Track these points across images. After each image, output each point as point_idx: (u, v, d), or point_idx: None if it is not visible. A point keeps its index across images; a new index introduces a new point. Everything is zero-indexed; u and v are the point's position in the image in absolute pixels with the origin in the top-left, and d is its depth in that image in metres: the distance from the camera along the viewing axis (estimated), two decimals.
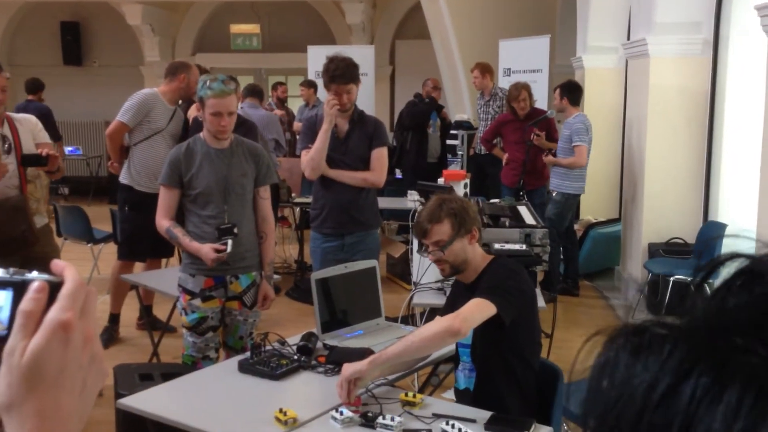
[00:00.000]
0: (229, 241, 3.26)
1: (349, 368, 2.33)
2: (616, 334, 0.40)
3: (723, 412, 0.34)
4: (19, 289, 0.64)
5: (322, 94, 8.18)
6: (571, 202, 6.15)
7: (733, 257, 0.40)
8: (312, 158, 3.79)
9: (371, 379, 2.40)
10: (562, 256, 6.23)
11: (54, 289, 0.64)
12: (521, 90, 6.20)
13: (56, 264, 0.65)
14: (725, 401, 0.34)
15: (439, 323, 2.35)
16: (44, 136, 3.94)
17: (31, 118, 3.96)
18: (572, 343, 5.13)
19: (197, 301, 3.35)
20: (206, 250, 3.24)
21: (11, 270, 0.67)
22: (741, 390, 0.34)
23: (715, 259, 0.41)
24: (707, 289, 0.41)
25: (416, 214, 2.80)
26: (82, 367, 0.63)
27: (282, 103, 9.45)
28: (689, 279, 5.11)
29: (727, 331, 0.37)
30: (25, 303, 0.62)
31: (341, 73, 3.71)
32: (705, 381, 0.35)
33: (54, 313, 0.62)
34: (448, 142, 8.02)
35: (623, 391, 0.37)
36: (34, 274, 0.65)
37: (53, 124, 9.71)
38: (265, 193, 3.48)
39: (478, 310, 2.34)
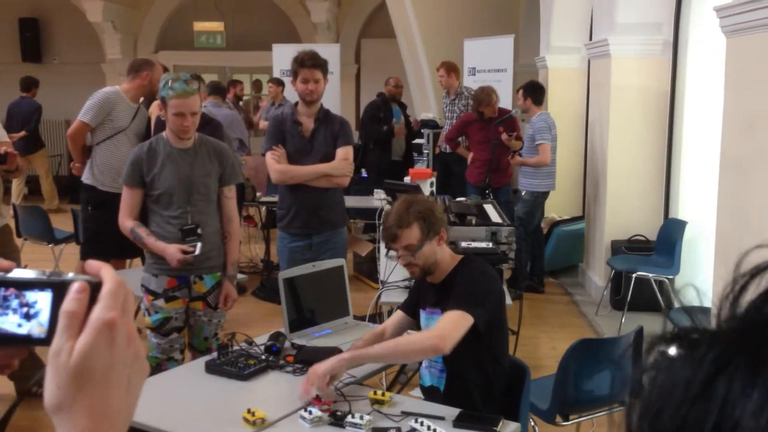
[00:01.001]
0: (198, 244, 3.23)
1: (325, 364, 2.34)
2: (655, 342, 0.41)
3: (754, 403, 0.35)
4: (59, 290, 0.64)
5: (289, 95, 8.18)
6: (541, 201, 6.22)
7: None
8: (291, 176, 3.78)
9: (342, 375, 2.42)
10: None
11: (94, 289, 0.63)
12: (491, 95, 6.24)
13: (91, 264, 0.65)
14: (756, 394, 0.36)
15: (424, 340, 2.36)
16: (2, 135, 3.85)
17: None
18: (538, 339, 5.19)
19: (160, 302, 3.31)
20: (172, 250, 3.20)
21: (47, 271, 0.66)
22: None
23: (753, 270, 0.42)
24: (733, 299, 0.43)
25: (383, 216, 2.79)
26: (127, 364, 0.63)
27: (239, 101, 9.38)
28: (654, 277, 5.20)
29: (762, 329, 0.38)
30: (68, 303, 0.62)
31: (310, 57, 3.71)
32: (739, 375, 0.36)
33: (98, 312, 0.62)
34: (414, 140, 8.05)
35: (663, 390, 0.38)
36: (71, 275, 0.65)
37: (37, 120, 9.60)
38: (230, 192, 3.45)
39: (457, 327, 2.36)
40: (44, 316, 0.64)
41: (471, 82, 8.08)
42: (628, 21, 5.58)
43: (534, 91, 6.14)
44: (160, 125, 4.19)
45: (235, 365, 2.65)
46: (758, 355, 0.37)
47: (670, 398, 0.38)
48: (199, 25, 13.19)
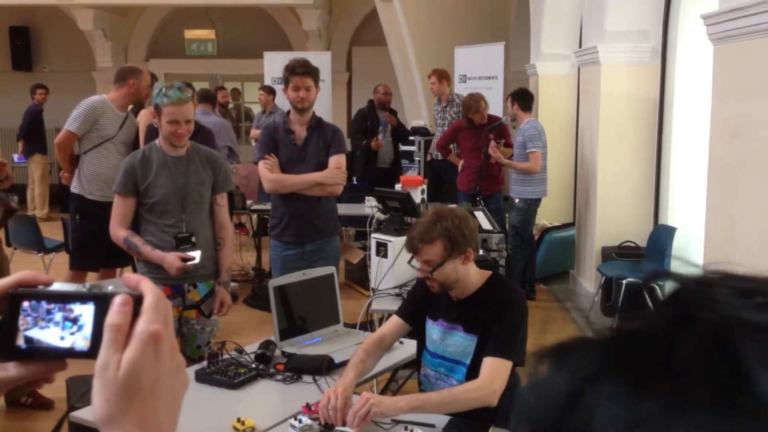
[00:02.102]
0: (198, 252, 3.23)
1: (383, 407, 2.21)
2: (542, 352, 0.41)
3: (616, 412, 0.36)
4: (101, 304, 0.64)
5: (280, 102, 8.19)
6: (534, 208, 6.23)
7: (660, 275, 0.42)
8: (284, 186, 3.78)
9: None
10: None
11: (135, 302, 0.64)
12: (480, 101, 6.27)
13: (130, 278, 0.66)
14: (618, 404, 0.36)
15: (476, 393, 2.31)
16: None
17: None
18: (529, 346, 5.20)
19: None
20: (171, 258, 3.19)
21: (88, 284, 0.66)
22: (628, 395, 0.36)
23: (643, 281, 0.42)
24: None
25: (413, 224, 2.72)
26: (172, 376, 0.64)
27: (224, 108, 9.40)
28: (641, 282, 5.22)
29: (628, 339, 0.38)
30: (114, 316, 0.63)
31: (301, 64, 3.72)
32: (605, 385, 0.36)
33: (143, 325, 0.62)
34: (404, 147, 8.05)
35: (538, 402, 0.38)
36: (111, 288, 0.65)
37: (30, 124, 9.67)
38: (222, 200, 3.46)
39: (505, 378, 2.35)
40: (87, 329, 0.64)
41: (462, 90, 8.11)
42: (617, 29, 5.62)
43: (522, 98, 6.18)
44: (151, 133, 4.19)
45: (225, 374, 2.65)
46: (623, 365, 0.37)
47: (544, 409, 0.38)
48: (190, 33, 13.20)
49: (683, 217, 5.44)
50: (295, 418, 2.28)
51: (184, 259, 3.19)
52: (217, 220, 3.42)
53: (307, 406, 2.34)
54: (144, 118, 5.32)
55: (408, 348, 2.97)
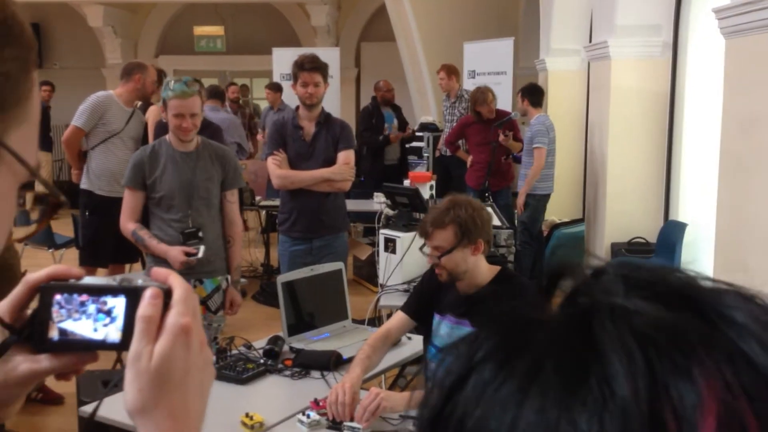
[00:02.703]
0: (201, 247, 3.23)
1: (392, 398, 2.23)
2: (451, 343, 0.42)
3: (475, 398, 0.36)
4: (133, 296, 0.66)
5: (287, 98, 8.19)
6: (543, 203, 6.21)
7: (565, 268, 0.42)
8: (292, 182, 3.78)
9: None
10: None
11: (165, 295, 0.65)
12: (487, 93, 6.25)
13: (159, 272, 0.68)
14: (485, 389, 0.36)
15: None
16: None
17: None
18: None
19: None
20: (175, 252, 3.20)
21: (118, 277, 0.68)
22: (492, 372, 0.36)
23: (557, 271, 0.42)
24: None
25: (428, 209, 2.71)
26: (200, 368, 0.66)
27: (236, 103, 9.39)
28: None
29: (514, 323, 0.39)
30: (146, 309, 0.64)
31: (309, 60, 3.72)
32: (484, 372, 0.37)
33: (174, 318, 0.64)
34: (413, 143, 8.03)
35: (434, 383, 0.39)
36: (141, 281, 0.67)
37: (44, 121, 9.68)
38: (233, 196, 3.45)
39: None
40: (119, 322, 0.66)
41: (471, 85, 8.08)
42: (628, 23, 5.58)
43: (532, 93, 6.15)
44: (161, 130, 4.20)
45: (234, 369, 2.65)
46: (502, 351, 0.37)
47: (436, 394, 0.38)
48: (199, 30, 13.22)
49: (694, 213, 5.40)
50: (304, 414, 2.28)
51: (188, 254, 3.20)
52: (227, 216, 3.42)
53: (315, 402, 2.33)
54: (153, 114, 5.33)
55: (416, 343, 2.97)
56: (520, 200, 6.00)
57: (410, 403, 2.24)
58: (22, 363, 0.67)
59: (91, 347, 0.67)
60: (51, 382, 3.88)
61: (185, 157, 3.29)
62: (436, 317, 2.62)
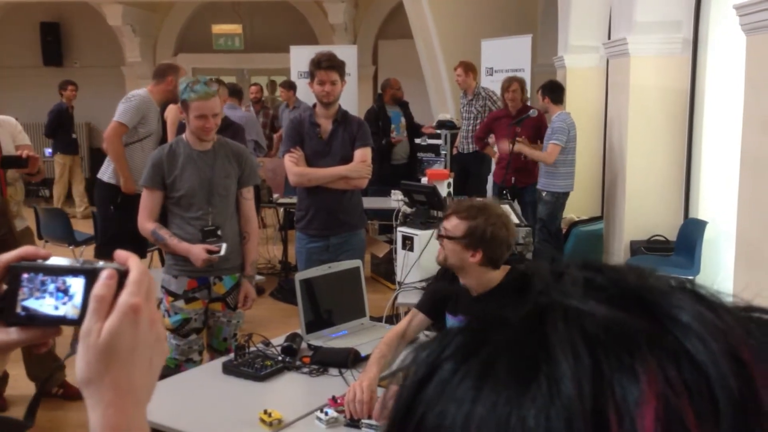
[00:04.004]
0: (224, 245, 3.25)
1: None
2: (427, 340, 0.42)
3: (436, 395, 0.37)
4: (91, 277, 0.71)
5: (303, 95, 8.20)
6: (562, 201, 6.17)
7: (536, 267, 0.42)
8: (309, 179, 3.79)
9: None
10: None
11: (122, 276, 0.70)
12: (512, 82, 6.23)
13: (120, 254, 0.73)
14: (444, 387, 0.37)
15: None
16: (24, 138, 3.90)
17: (11, 120, 3.93)
18: None
19: (180, 303, 3.34)
20: (197, 250, 3.22)
21: (81, 259, 0.74)
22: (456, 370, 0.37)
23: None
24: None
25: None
26: (149, 346, 0.70)
27: (258, 103, 9.42)
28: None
29: (486, 326, 0.39)
30: (98, 288, 0.69)
31: (326, 58, 3.72)
32: (446, 370, 0.37)
33: (124, 297, 0.69)
34: (430, 141, 8.00)
35: (404, 384, 0.40)
36: (101, 263, 0.72)
37: (53, 122, 9.75)
38: (249, 193, 3.48)
39: None
40: (77, 300, 0.71)
41: (489, 83, 8.05)
42: (647, 20, 5.53)
43: (552, 90, 6.11)
44: (182, 130, 4.23)
45: (252, 366, 2.67)
46: (464, 349, 0.38)
47: (406, 390, 0.39)
48: (218, 28, 13.28)
49: (714, 211, 5.35)
50: (322, 411, 2.29)
51: (210, 252, 3.22)
52: (243, 213, 3.44)
53: (333, 399, 2.34)
54: (172, 113, 5.36)
55: None
56: (526, 150, 5.97)
57: (384, 398, 2.26)
58: None
59: (53, 323, 0.72)
60: (71, 378, 3.93)
61: (203, 155, 3.31)
62: (449, 317, 2.63)
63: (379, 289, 6.06)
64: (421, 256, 3.91)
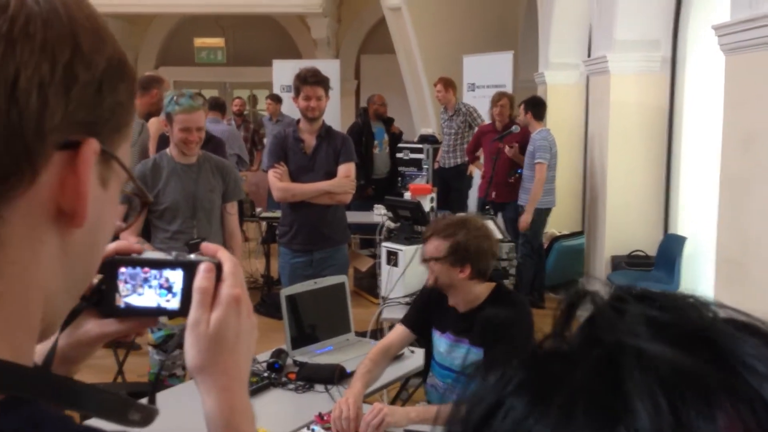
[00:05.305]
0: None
1: (395, 414, 2.26)
2: (476, 365, 0.42)
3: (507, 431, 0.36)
4: (189, 269, 0.74)
5: (287, 109, 8.21)
6: (544, 217, 6.20)
7: (582, 295, 0.42)
8: (293, 194, 3.79)
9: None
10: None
11: (216, 268, 0.74)
12: (502, 96, 6.28)
13: (208, 247, 0.77)
14: (514, 424, 0.36)
15: None
16: None
17: None
18: None
19: (164, 318, 3.30)
20: None
21: (174, 253, 0.77)
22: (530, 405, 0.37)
23: (570, 299, 0.42)
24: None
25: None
26: (249, 333, 0.76)
27: (240, 116, 9.40)
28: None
29: (544, 362, 0.39)
30: (201, 281, 0.74)
31: (312, 74, 3.74)
32: (514, 405, 0.37)
33: (227, 289, 0.74)
34: (412, 155, 8.00)
35: (465, 411, 0.39)
36: (193, 256, 0.76)
37: None
38: (233, 208, 3.47)
39: None
40: (177, 291, 0.75)
41: (470, 98, 8.11)
42: (627, 38, 5.62)
43: (535, 106, 6.17)
44: (163, 142, 4.21)
45: None
46: (531, 383, 0.37)
47: (467, 420, 0.39)
48: (200, 41, 13.27)
49: (693, 227, 5.43)
50: (308, 428, 2.29)
51: None
52: (226, 228, 3.44)
53: (320, 416, 2.34)
54: (154, 126, 5.34)
55: (418, 357, 2.97)
56: (527, 218, 5.96)
57: (412, 418, 2.25)
58: (93, 326, 0.78)
59: (152, 314, 0.77)
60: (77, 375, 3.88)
61: (187, 169, 3.30)
62: (436, 333, 2.64)
63: (362, 303, 6.05)
64: (405, 271, 3.92)
